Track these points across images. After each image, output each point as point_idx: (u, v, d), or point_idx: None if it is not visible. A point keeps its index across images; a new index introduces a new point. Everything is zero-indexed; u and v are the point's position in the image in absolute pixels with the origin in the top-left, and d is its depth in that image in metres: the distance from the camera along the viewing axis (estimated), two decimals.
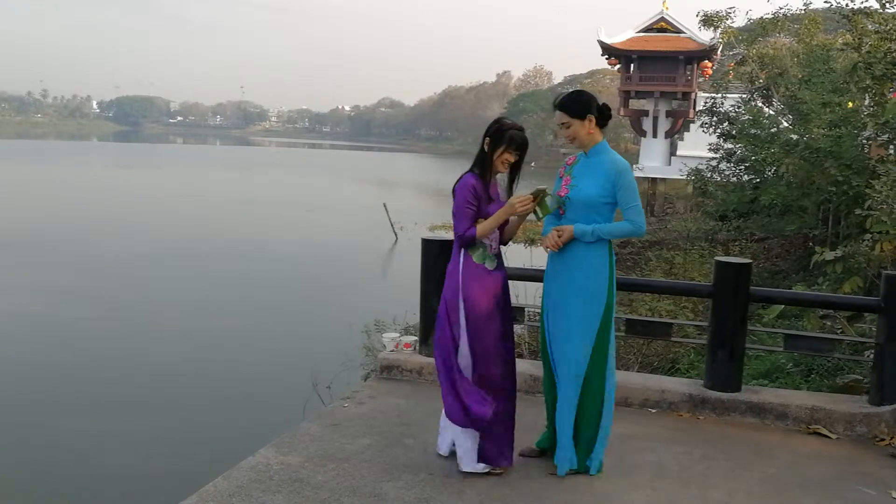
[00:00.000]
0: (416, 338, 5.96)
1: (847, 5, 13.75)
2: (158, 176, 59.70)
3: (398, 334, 6.33)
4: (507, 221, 4.08)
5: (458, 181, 4.06)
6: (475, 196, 4.01)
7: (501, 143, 4.00)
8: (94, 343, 15.61)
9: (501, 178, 4.18)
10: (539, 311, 4.32)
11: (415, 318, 6.65)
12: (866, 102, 13.68)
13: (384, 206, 33.45)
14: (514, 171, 4.12)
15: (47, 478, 9.92)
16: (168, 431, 11.42)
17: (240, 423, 11.38)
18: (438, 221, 33.97)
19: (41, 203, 37.71)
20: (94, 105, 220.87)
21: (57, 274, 21.88)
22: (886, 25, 12.48)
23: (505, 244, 4.22)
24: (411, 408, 5.09)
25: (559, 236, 3.99)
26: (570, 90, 4.35)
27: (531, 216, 4.05)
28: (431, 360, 5.63)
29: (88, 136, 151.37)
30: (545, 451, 4.28)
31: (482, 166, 4.07)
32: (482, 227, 4.01)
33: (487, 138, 4.05)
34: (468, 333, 4.03)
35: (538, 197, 3.95)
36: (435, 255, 5.64)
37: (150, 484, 9.67)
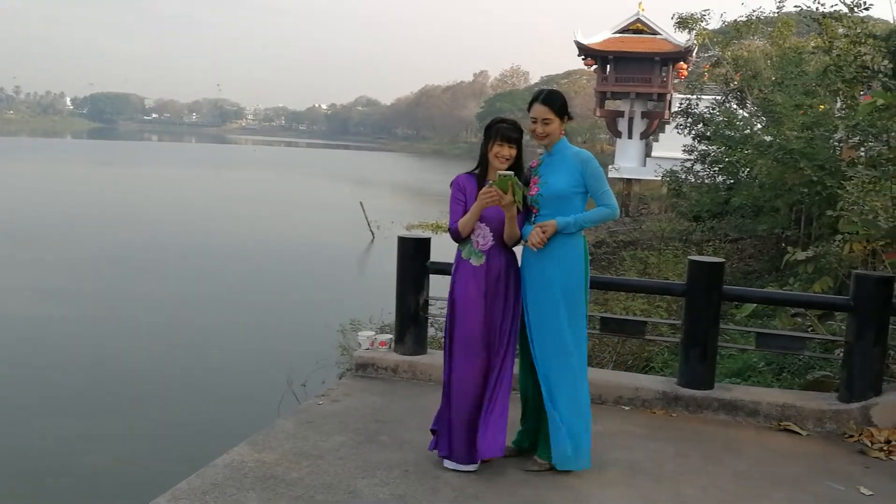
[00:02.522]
0: (391, 336, 5.95)
1: (817, 9, 13.92)
2: (133, 174, 59.12)
3: (374, 332, 6.33)
4: (502, 222, 4.08)
5: None
6: (461, 192, 4.11)
7: (490, 137, 4.08)
8: (66, 341, 15.45)
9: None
10: None
11: (390, 316, 6.64)
12: (838, 105, 13.87)
13: (361, 204, 33.38)
14: (517, 168, 4.11)
15: (20, 477, 9.81)
16: (142, 429, 11.34)
17: (214, 421, 11.33)
18: (415, 220, 33.98)
19: (14, 200, 37.19)
20: (68, 102, 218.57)
21: (31, 271, 21.63)
22: (856, 29, 12.66)
23: (513, 245, 4.20)
24: (386, 405, 5.09)
25: (543, 232, 4.01)
26: (549, 88, 4.38)
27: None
28: (406, 358, 5.65)
29: (62, 134, 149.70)
30: (524, 449, 4.29)
31: (480, 165, 4.16)
32: (461, 221, 4.08)
33: (483, 136, 4.14)
34: (449, 329, 4.13)
35: (508, 185, 3.90)
36: (411, 253, 5.65)
37: (123, 482, 9.61)
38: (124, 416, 11.88)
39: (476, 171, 4.16)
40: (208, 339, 16.02)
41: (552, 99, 4.09)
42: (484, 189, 3.96)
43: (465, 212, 4.08)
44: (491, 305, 4.10)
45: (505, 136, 4.04)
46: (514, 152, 4.07)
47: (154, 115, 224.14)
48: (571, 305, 4.07)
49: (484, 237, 4.12)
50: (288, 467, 4.09)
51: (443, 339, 4.27)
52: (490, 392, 4.11)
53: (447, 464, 4.13)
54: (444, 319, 4.29)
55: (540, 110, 4.07)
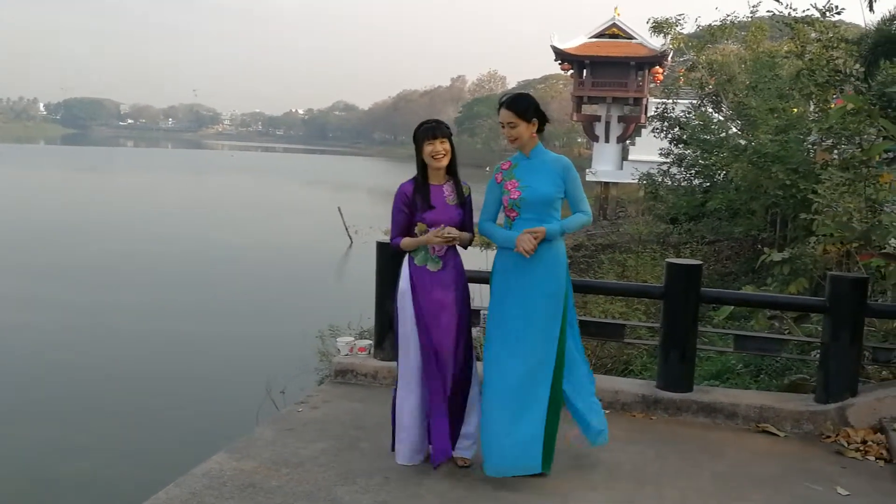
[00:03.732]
0: (370, 342, 5.93)
1: (790, 14, 14.08)
2: (108, 180, 58.59)
3: (353, 338, 6.30)
4: (454, 226, 4.17)
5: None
6: (406, 203, 4.15)
7: (420, 141, 4.14)
8: (44, 349, 15.25)
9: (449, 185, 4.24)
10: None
11: (370, 321, 6.62)
12: (811, 108, 14.01)
13: (339, 209, 33.28)
14: (452, 168, 4.21)
15: None
16: (121, 438, 11.22)
17: (192, 429, 11.23)
18: None
19: None
20: (41, 107, 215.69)
21: (5, 279, 21.32)
22: (828, 34, 12.81)
23: (465, 248, 4.29)
24: (366, 412, 5.07)
25: (535, 238, 4.01)
26: (517, 92, 4.41)
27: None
28: (386, 363, 5.63)
29: (35, 139, 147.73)
30: None
31: (422, 171, 4.20)
32: (406, 243, 4.15)
33: (415, 147, 4.19)
34: (409, 335, 4.15)
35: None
36: (389, 258, 5.62)
37: (101, 492, 9.50)
38: (101, 424, 11.74)
39: (416, 178, 4.20)
40: (186, 346, 15.88)
41: (515, 103, 4.11)
42: (436, 232, 4.04)
43: (408, 221, 4.14)
44: (449, 308, 4.17)
45: (431, 134, 4.11)
46: (446, 145, 4.14)
47: (129, 121, 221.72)
48: (555, 309, 4.10)
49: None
50: (267, 475, 4.06)
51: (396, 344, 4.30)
52: (455, 396, 4.16)
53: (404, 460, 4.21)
54: (400, 326, 4.22)
55: (504, 115, 4.11)
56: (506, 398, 4.05)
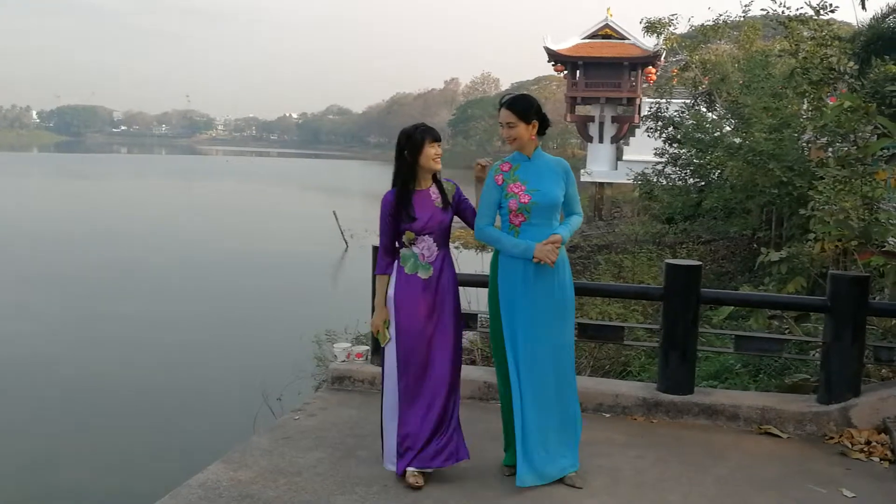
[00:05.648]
0: (367, 347, 5.88)
1: (783, 12, 14.05)
2: (102, 187, 58.44)
3: (349, 344, 6.25)
4: (444, 229, 4.16)
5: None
6: (391, 213, 4.07)
7: (421, 144, 4.04)
8: (37, 358, 15.14)
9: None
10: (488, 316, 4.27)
11: (366, 326, 6.56)
12: (805, 107, 13.99)
13: (334, 213, 33.19)
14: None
15: None
16: (115, 449, 11.10)
17: (188, 439, 11.13)
18: None
19: None
20: (34, 115, 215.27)
21: (1, 287, 21.23)
22: (821, 32, 12.78)
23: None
24: (364, 419, 5.01)
25: (556, 248, 3.97)
26: (519, 93, 4.37)
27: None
28: None
29: (28, 147, 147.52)
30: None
31: (407, 177, 4.09)
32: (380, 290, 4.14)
33: (406, 151, 4.07)
34: (397, 344, 4.07)
35: None
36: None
37: None
38: (95, 434, 11.64)
39: (398, 185, 4.10)
40: (180, 352, 15.78)
41: (515, 103, 4.07)
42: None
43: (395, 230, 4.07)
44: (441, 316, 4.09)
45: (432, 136, 4.07)
46: (441, 148, 4.12)
47: (123, 128, 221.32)
48: (572, 308, 4.15)
49: (429, 248, 4.09)
50: (264, 485, 4.00)
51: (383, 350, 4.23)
52: (446, 402, 4.08)
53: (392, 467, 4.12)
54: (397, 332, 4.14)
55: (504, 115, 4.07)
56: (548, 402, 4.06)
